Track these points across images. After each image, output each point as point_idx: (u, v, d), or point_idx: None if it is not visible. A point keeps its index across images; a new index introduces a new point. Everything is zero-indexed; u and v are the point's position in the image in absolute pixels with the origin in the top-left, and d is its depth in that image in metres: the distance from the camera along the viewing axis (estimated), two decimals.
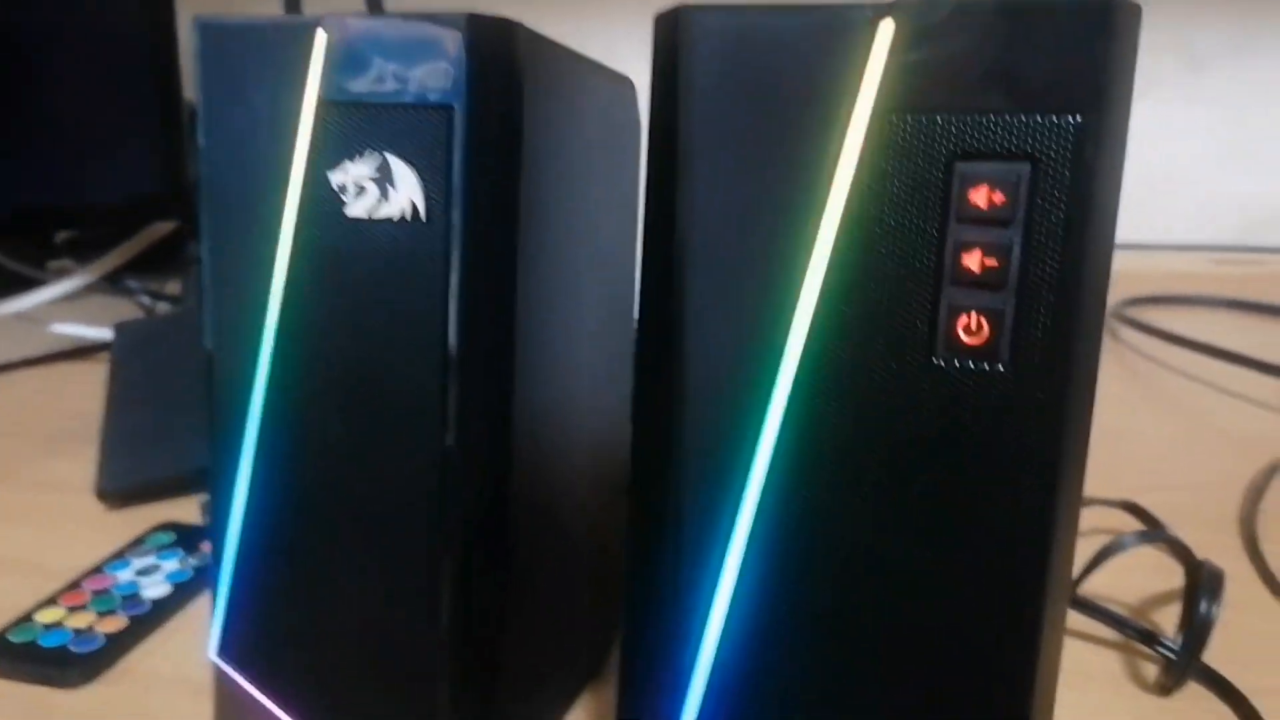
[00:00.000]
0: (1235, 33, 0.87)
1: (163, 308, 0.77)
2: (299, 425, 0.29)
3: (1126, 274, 0.85)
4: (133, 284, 0.79)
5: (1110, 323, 0.76)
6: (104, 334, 0.69)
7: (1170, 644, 0.36)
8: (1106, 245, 0.22)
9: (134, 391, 0.55)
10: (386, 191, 0.26)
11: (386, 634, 0.29)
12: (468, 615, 0.28)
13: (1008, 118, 0.21)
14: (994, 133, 0.21)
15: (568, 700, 0.36)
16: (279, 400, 0.29)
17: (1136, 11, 0.21)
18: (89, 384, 0.66)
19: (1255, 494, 0.49)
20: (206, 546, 0.45)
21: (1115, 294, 0.79)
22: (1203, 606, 0.35)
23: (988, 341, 0.21)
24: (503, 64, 0.26)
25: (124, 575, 0.43)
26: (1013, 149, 0.21)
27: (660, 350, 0.25)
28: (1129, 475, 0.51)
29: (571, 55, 0.30)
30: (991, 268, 0.21)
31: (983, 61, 0.21)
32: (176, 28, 0.81)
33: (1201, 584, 0.35)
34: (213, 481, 0.32)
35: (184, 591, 0.42)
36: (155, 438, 0.52)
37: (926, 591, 0.23)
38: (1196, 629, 0.34)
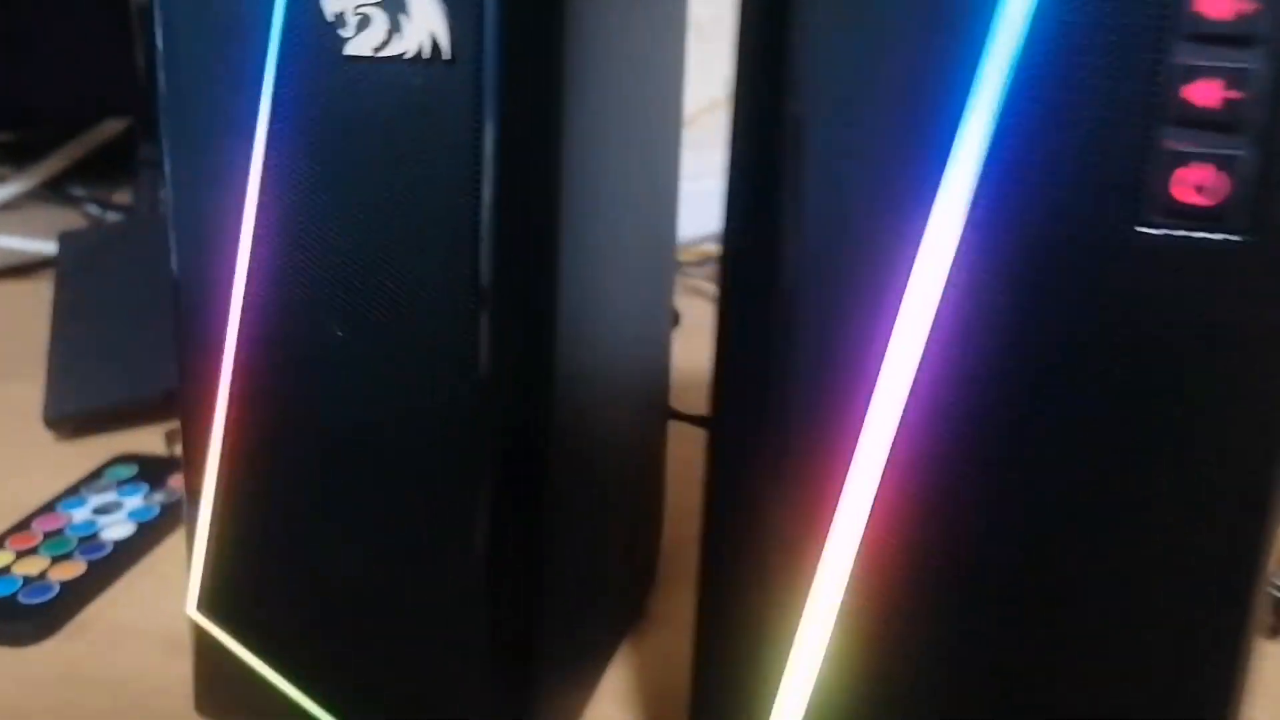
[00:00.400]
0: None
1: (112, 218, 0.69)
2: (290, 335, 0.23)
3: None
4: (78, 191, 0.71)
5: None
6: (48, 247, 0.62)
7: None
8: None
9: (83, 308, 0.49)
10: (398, 22, 0.20)
11: (405, 584, 0.24)
12: (503, 560, 0.23)
13: None
14: None
15: (608, 650, 0.31)
16: (264, 304, 0.24)
17: None
18: (33, 302, 0.59)
19: None
20: (175, 481, 0.40)
21: None
22: None
23: (1222, 202, 0.16)
24: None
25: (80, 514, 0.38)
26: None
27: (759, 227, 0.19)
28: None
29: None
30: (1229, 102, 0.16)
31: None
32: None
33: None
34: (185, 408, 0.26)
35: (150, 531, 0.37)
36: (109, 359, 0.46)
37: (1111, 548, 0.18)
38: None
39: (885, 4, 0.17)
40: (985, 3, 0.17)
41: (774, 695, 0.20)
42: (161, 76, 0.23)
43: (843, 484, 0.19)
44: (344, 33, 0.21)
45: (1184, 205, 0.16)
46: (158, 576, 0.35)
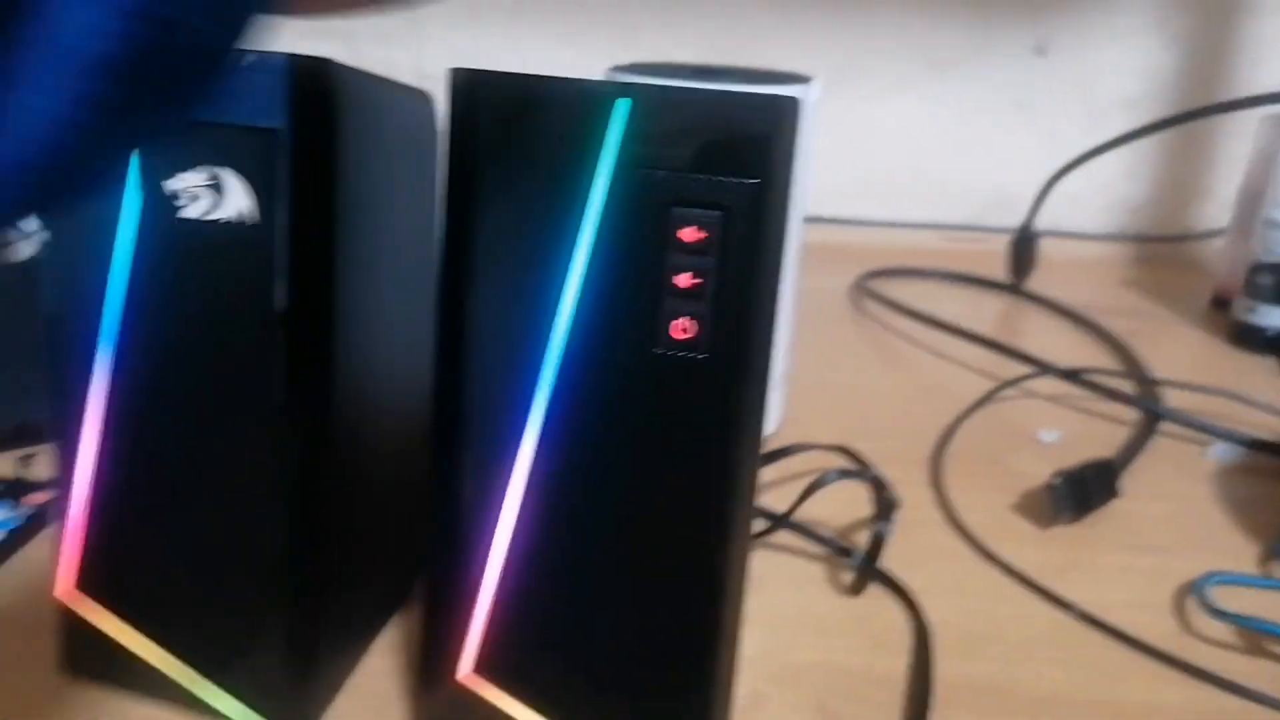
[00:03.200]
0: (970, 41, 1.01)
1: None
2: (143, 389, 0.34)
3: (871, 249, 0.97)
4: None
5: (853, 293, 0.88)
6: None
7: (859, 555, 0.46)
8: (776, 267, 0.30)
9: None
10: (218, 200, 0.31)
11: (231, 558, 0.34)
12: (296, 542, 0.34)
13: (707, 177, 0.29)
14: (698, 188, 0.29)
15: (385, 615, 0.43)
16: (122, 365, 0.34)
17: (796, 104, 0.29)
18: None
19: (944, 439, 0.62)
20: (34, 498, 0.48)
21: (860, 267, 0.91)
22: (878, 526, 0.45)
23: (693, 338, 0.29)
24: (318, 94, 0.32)
25: None
26: (711, 200, 0.29)
27: (454, 339, 0.31)
28: (851, 425, 0.62)
29: (379, 81, 0.36)
30: (696, 285, 0.29)
31: (690, 135, 0.28)
32: None
33: (880, 508, 0.46)
34: (57, 431, 0.35)
35: (15, 537, 0.45)
36: None
37: (649, 517, 0.31)
38: (872, 543, 0.45)
39: (520, 203, 0.30)
40: (572, 221, 0.29)
41: (464, 632, 0.33)
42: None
43: (502, 503, 0.31)
44: (180, 203, 0.32)
45: (675, 340, 0.29)
46: (17, 576, 0.44)
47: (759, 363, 0.30)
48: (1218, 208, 1.04)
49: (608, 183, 0.29)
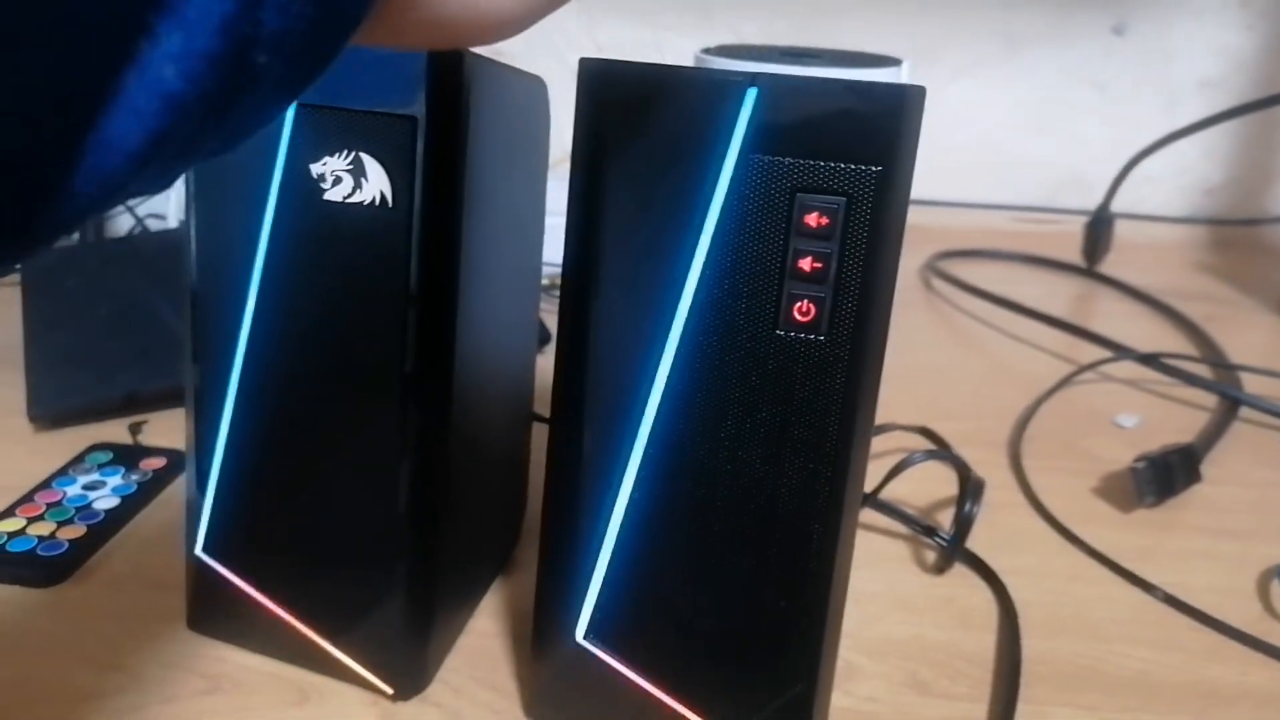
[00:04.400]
0: (1048, 20, 1.00)
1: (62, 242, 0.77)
2: (281, 363, 0.36)
3: (942, 229, 0.97)
4: None
5: (924, 274, 0.89)
6: None
7: (944, 535, 0.47)
8: (895, 253, 0.31)
9: (51, 319, 0.59)
10: (360, 182, 0.33)
11: (356, 525, 0.36)
12: (417, 517, 0.36)
13: (831, 164, 0.29)
14: (822, 174, 0.29)
15: (487, 582, 0.45)
16: (262, 340, 0.36)
17: (921, 93, 0.30)
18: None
19: (1023, 421, 0.62)
20: (145, 464, 0.51)
21: (931, 247, 0.91)
22: (966, 507, 0.46)
23: (813, 320, 0.30)
24: (455, 83, 0.33)
25: (72, 490, 0.48)
26: (834, 187, 0.30)
27: (580, 319, 0.33)
28: (930, 407, 0.62)
29: (503, 68, 0.37)
30: (818, 269, 0.30)
31: (815, 123, 0.29)
32: None
33: (967, 490, 0.47)
34: (198, 404, 0.37)
35: (130, 503, 0.48)
36: (79, 364, 0.56)
37: (764, 494, 0.32)
38: (960, 524, 0.46)
39: (647, 187, 0.31)
40: (699, 204, 0.30)
41: (582, 598, 0.34)
42: (191, 206, 0.35)
43: (622, 475, 0.33)
44: (324, 185, 0.33)
45: (796, 321, 0.31)
46: (143, 536, 0.47)
47: (875, 344, 0.31)
48: None
49: (733, 169, 0.30)
